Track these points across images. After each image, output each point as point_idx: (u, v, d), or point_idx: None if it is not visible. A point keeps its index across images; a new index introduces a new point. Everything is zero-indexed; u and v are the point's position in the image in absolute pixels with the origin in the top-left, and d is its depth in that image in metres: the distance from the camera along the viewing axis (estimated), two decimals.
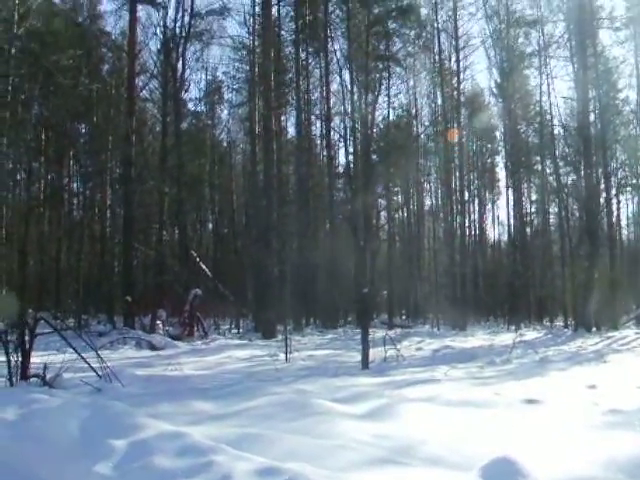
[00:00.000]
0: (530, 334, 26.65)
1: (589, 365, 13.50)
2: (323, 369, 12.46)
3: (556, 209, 43.12)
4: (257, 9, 33.71)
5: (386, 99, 39.88)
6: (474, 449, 5.39)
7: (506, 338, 21.51)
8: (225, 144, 45.53)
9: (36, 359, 9.69)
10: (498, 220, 53.14)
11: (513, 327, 33.31)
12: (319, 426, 6.11)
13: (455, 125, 38.99)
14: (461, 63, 38.60)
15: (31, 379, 9.27)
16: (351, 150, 35.60)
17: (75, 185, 41.46)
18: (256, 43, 35.01)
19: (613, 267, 32.23)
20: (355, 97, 34.82)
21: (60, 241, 36.92)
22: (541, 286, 44.90)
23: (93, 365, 9.71)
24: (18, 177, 35.93)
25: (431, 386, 9.75)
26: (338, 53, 35.60)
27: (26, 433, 5.59)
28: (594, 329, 28.14)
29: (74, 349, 9.93)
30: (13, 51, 26.03)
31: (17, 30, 25.31)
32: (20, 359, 9.27)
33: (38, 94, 30.92)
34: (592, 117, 32.54)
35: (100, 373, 9.61)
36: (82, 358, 9.81)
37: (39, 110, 34.07)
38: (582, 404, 7.87)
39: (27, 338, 9.49)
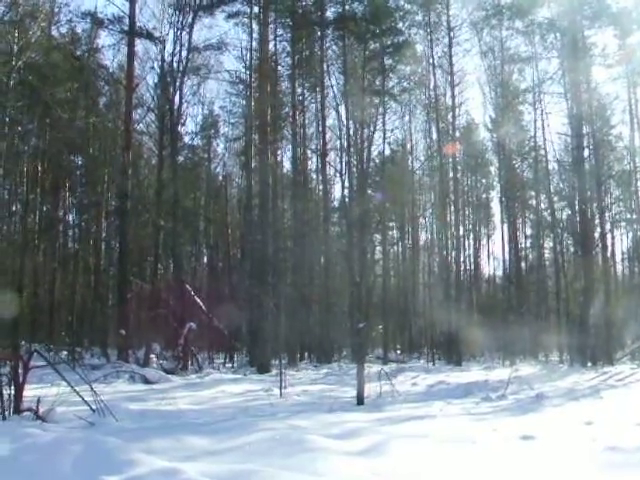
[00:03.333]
0: (525, 369, 26.53)
1: (585, 401, 13.45)
2: (318, 404, 12.39)
3: (551, 244, 43.15)
4: (254, 44, 33.94)
5: (382, 134, 40.02)
6: None
7: (501, 373, 21.41)
8: (221, 178, 45.56)
9: (29, 392, 9.63)
10: (493, 255, 53.21)
11: (508, 362, 33.13)
12: (314, 463, 6.06)
13: (450, 160, 39.18)
14: (456, 99, 38.88)
15: (24, 413, 9.21)
16: (347, 185, 35.75)
17: (70, 217, 41.47)
18: (253, 78, 35.18)
19: (608, 302, 32.16)
20: (351, 132, 35.05)
21: (54, 273, 36.78)
22: (536, 321, 44.79)
23: (87, 399, 9.64)
24: (14, 208, 35.90)
25: (426, 422, 9.70)
26: (334, 88, 35.81)
27: (17, 468, 5.54)
28: (589, 364, 28.03)
29: (68, 383, 9.87)
30: (11, 83, 26.13)
31: (16, 63, 25.42)
32: (13, 392, 9.21)
33: (35, 126, 31.01)
34: (586, 152, 32.70)
35: (94, 407, 9.54)
36: (76, 392, 9.75)
37: (36, 142, 34.09)
38: (579, 441, 7.82)
39: (20, 371, 9.45)
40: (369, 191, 37.81)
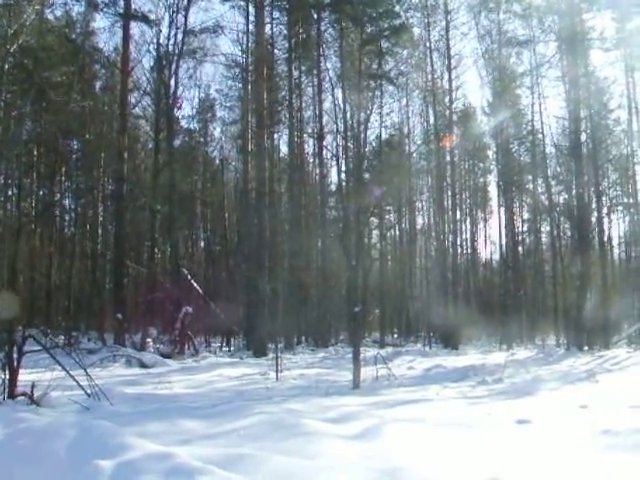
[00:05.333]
0: (522, 353, 26.63)
1: (581, 384, 13.49)
2: (314, 388, 12.39)
3: (548, 228, 43.20)
4: (250, 27, 33.77)
5: (378, 118, 39.89)
6: (464, 472, 5.34)
7: (498, 357, 21.48)
8: (217, 161, 45.37)
9: (24, 377, 9.62)
10: (490, 239, 53.18)
11: (505, 346, 33.25)
12: (309, 446, 6.06)
13: (447, 144, 39.10)
14: (453, 82, 38.81)
15: (18, 397, 9.20)
16: (343, 168, 35.61)
17: (67, 201, 41.40)
18: (249, 61, 35.08)
19: (605, 286, 32.21)
20: (348, 115, 34.87)
21: (51, 257, 36.73)
22: (533, 305, 44.92)
23: (82, 383, 9.64)
24: (9, 193, 35.79)
25: (422, 406, 9.71)
26: (331, 72, 35.64)
27: (11, 453, 5.53)
28: (586, 348, 28.11)
29: (62, 367, 9.87)
30: (6, 67, 26.01)
31: (10, 46, 25.27)
32: (7, 377, 9.20)
33: (30, 110, 30.84)
34: (584, 136, 32.66)
35: (89, 391, 9.54)
36: (71, 376, 9.75)
37: (31, 126, 34.00)
38: (574, 424, 7.83)
39: (15, 356, 9.43)
40: (366, 175, 37.69)
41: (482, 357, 23.85)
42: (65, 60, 30.37)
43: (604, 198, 39.19)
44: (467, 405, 9.93)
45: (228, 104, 42.71)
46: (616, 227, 47.49)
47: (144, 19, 30.56)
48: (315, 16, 35.50)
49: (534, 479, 5.20)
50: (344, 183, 35.18)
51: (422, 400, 10.48)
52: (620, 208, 45.60)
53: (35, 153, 35.10)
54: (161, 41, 30.78)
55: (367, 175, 38.47)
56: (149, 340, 23.91)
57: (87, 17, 33.69)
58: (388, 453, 5.92)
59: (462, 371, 16.05)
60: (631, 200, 40.24)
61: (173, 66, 30.81)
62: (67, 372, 9.79)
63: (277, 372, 14.87)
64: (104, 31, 34.64)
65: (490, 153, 47.49)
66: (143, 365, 18.41)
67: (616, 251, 47.36)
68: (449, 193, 39.38)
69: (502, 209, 42.73)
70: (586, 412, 9.03)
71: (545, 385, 13.04)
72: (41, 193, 38.19)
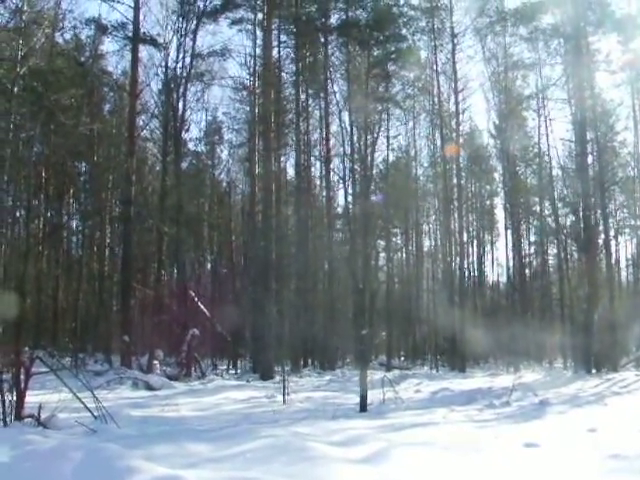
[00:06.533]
0: (529, 376, 26.46)
1: (589, 408, 13.40)
2: (321, 411, 12.36)
3: (555, 250, 43.12)
4: (258, 51, 33.98)
5: (385, 140, 40.11)
6: None
7: (505, 380, 21.35)
8: (225, 184, 45.54)
9: (31, 398, 9.61)
10: (497, 261, 53.05)
11: (512, 369, 33.11)
12: (316, 470, 6.03)
13: (454, 166, 39.19)
14: (460, 105, 38.85)
15: (25, 419, 9.20)
16: (350, 191, 35.72)
17: (74, 223, 41.54)
18: (256, 84, 35.23)
19: (612, 309, 32.04)
20: (354, 138, 35.00)
21: (58, 279, 36.84)
22: (540, 328, 44.71)
23: (89, 405, 9.63)
24: (17, 214, 35.90)
25: (429, 429, 9.66)
26: (338, 95, 35.81)
27: (18, 475, 5.52)
28: (594, 371, 27.95)
29: (70, 389, 9.87)
30: (16, 89, 26.21)
31: (20, 69, 25.49)
32: (15, 399, 9.20)
33: (39, 132, 31.00)
34: (590, 159, 32.67)
35: (96, 414, 9.53)
36: (78, 398, 9.74)
37: (40, 148, 34.15)
38: (582, 448, 7.77)
39: (22, 377, 9.43)
40: (372, 197, 37.73)
41: (489, 380, 23.71)
42: (74, 83, 30.54)
43: (611, 220, 39.23)
44: (474, 428, 9.88)
45: (235, 127, 42.94)
46: (623, 249, 47.46)
47: (153, 42, 30.82)
48: (322, 39, 35.70)
49: None
50: (351, 206, 35.26)
51: (429, 423, 10.43)
52: (627, 230, 45.53)
53: (44, 175, 35.25)
54: (169, 64, 31.01)
55: (374, 198, 38.53)
56: (156, 362, 23.87)
57: (96, 40, 33.95)
58: (396, 477, 5.90)
59: (469, 394, 15.95)
60: (638, 222, 40.23)
61: (181, 89, 30.99)
62: (74, 394, 9.79)
63: (284, 395, 14.83)
64: (113, 54, 34.65)
65: (497, 175, 47.48)
66: (150, 387, 18.40)
67: (624, 273, 47.32)
68: (456, 215, 39.35)
69: (509, 231, 42.76)
70: (594, 436, 8.97)
71: (553, 408, 12.96)
72: (49, 215, 38.32)
